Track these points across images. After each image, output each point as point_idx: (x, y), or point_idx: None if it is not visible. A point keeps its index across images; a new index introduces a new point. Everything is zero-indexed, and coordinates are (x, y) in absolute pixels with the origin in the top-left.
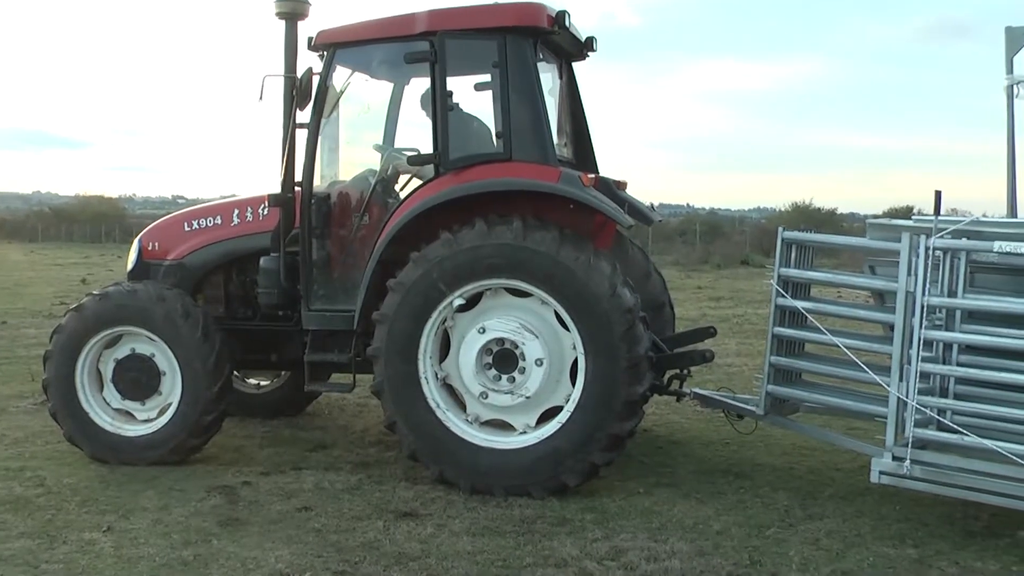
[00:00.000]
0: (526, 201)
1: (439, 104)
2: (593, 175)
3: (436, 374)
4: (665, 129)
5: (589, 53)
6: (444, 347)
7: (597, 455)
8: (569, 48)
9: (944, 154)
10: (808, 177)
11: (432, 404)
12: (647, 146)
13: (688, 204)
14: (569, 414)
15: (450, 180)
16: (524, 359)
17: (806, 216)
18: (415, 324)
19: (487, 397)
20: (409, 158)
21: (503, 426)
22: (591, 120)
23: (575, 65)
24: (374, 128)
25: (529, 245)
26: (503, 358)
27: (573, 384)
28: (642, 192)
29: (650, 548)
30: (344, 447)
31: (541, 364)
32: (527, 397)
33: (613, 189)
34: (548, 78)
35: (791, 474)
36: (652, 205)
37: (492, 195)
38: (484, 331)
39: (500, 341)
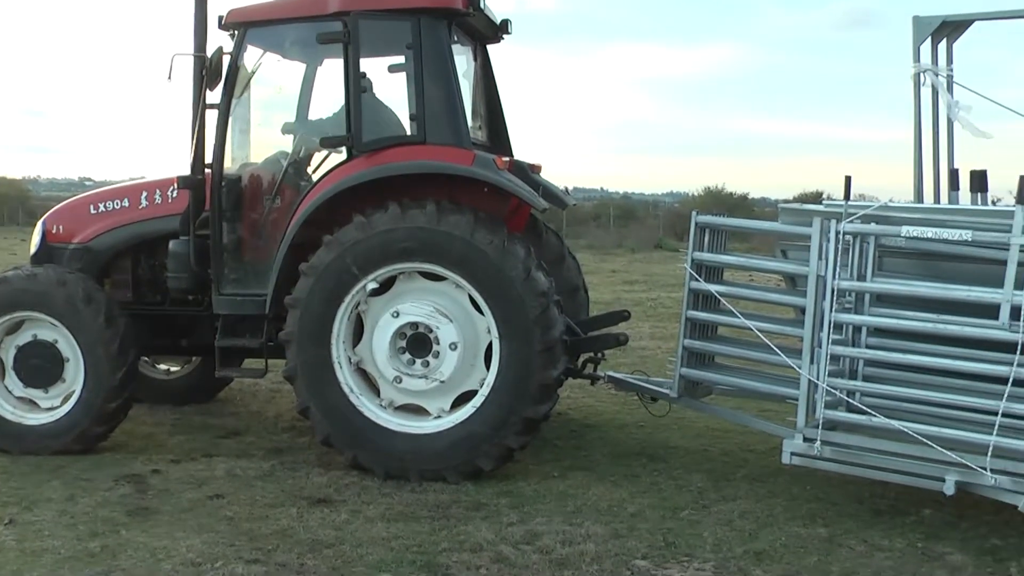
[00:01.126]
0: (441, 184)
1: (352, 86)
2: (507, 158)
3: (350, 359)
4: (578, 113)
5: (504, 36)
6: (358, 331)
7: (512, 439)
8: (484, 30)
9: (853, 140)
10: (721, 162)
11: (346, 389)
12: (560, 130)
13: (602, 188)
14: (484, 398)
15: (363, 163)
16: (438, 343)
17: (719, 200)
18: (328, 308)
19: (401, 381)
20: (322, 140)
21: (417, 410)
22: (505, 103)
23: (490, 48)
24: (287, 109)
25: (443, 228)
26: (417, 342)
27: (488, 368)
28: (556, 176)
29: (565, 531)
30: (256, 433)
31: (455, 348)
32: (441, 381)
33: (528, 172)
34: (463, 60)
35: (705, 456)
36: (567, 189)
37: (406, 178)
38: (398, 315)
39: (414, 325)
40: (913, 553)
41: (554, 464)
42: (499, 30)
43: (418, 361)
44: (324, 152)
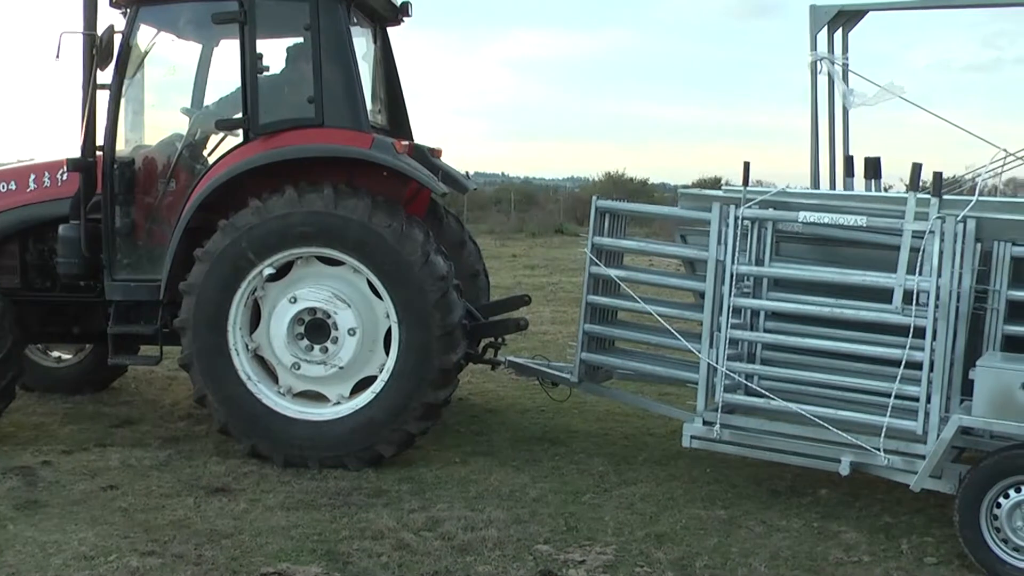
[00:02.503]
0: (339, 168)
1: (248, 67)
2: (407, 142)
3: (247, 345)
4: (479, 97)
5: (404, 18)
6: (255, 318)
7: (412, 424)
8: (383, 12)
9: (752, 127)
10: (621, 147)
11: (243, 376)
12: (461, 114)
13: (503, 173)
14: (383, 384)
15: (260, 145)
16: (337, 329)
17: (619, 186)
18: (224, 294)
19: (299, 368)
20: (217, 122)
21: (317, 397)
22: (406, 87)
23: (390, 30)
24: (182, 91)
25: (340, 212)
26: (315, 328)
27: (387, 353)
28: (457, 160)
29: (467, 517)
30: (152, 422)
31: (354, 334)
32: (340, 367)
33: (428, 156)
34: (362, 43)
35: (606, 440)
36: (467, 173)
37: (304, 161)
38: (295, 301)
39: (312, 311)
40: (810, 532)
41: (455, 450)
42: (399, 12)
43: (316, 347)
44: (220, 135)
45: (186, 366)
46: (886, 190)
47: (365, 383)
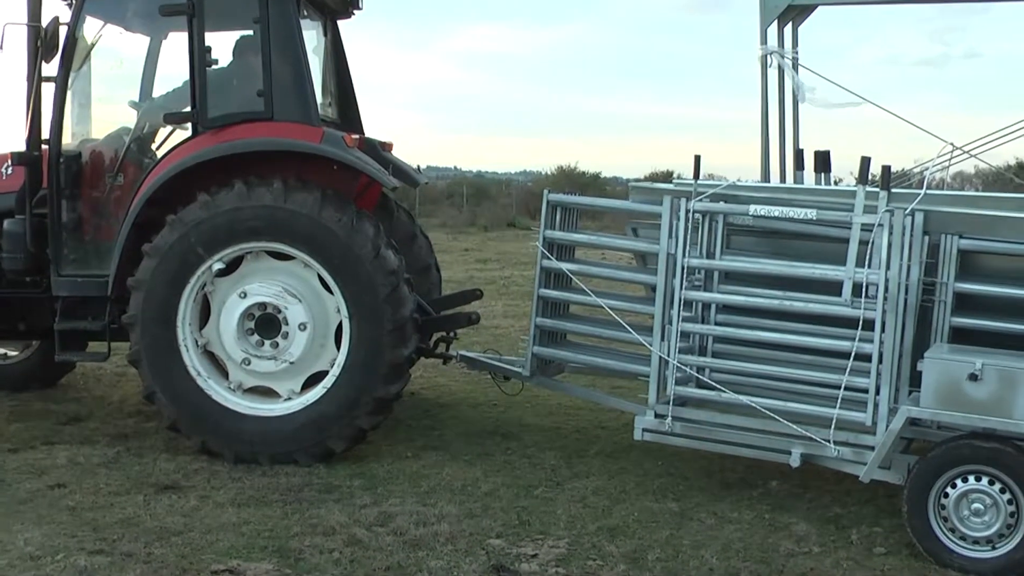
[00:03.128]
0: (289, 162)
1: (197, 60)
2: (357, 136)
3: (196, 341)
4: (431, 91)
5: (355, 11)
6: (204, 313)
7: (363, 419)
8: (333, 6)
9: (704, 120)
10: (573, 141)
11: (193, 372)
12: (412, 108)
13: (455, 167)
14: (334, 379)
15: (208, 139)
16: (287, 324)
17: (571, 179)
18: (173, 290)
19: (250, 363)
20: (166, 116)
21: (267, 392)
22: (358, 81)
23: (341, 24)
24: (130, 84)
25: (290, 206)
26: (266, 323)
27: (338, 348)
28: (409, 154)
29: (419, 512)
30: (100, 419)
31: (305, 328)
32: (291, 362)
33: (379, 150)
34: (313, 36)
35: (558, 434)
36: (418, 167)
37: (254, 155)
38: (245, 296)
39: (262, 306)
40: (761, 524)
41: (407, 444)
42: (349, 5)
43: (267, 342)
44: (169, 128)
45: (135, 362)
46: (836, 184)
47: (316, 378)
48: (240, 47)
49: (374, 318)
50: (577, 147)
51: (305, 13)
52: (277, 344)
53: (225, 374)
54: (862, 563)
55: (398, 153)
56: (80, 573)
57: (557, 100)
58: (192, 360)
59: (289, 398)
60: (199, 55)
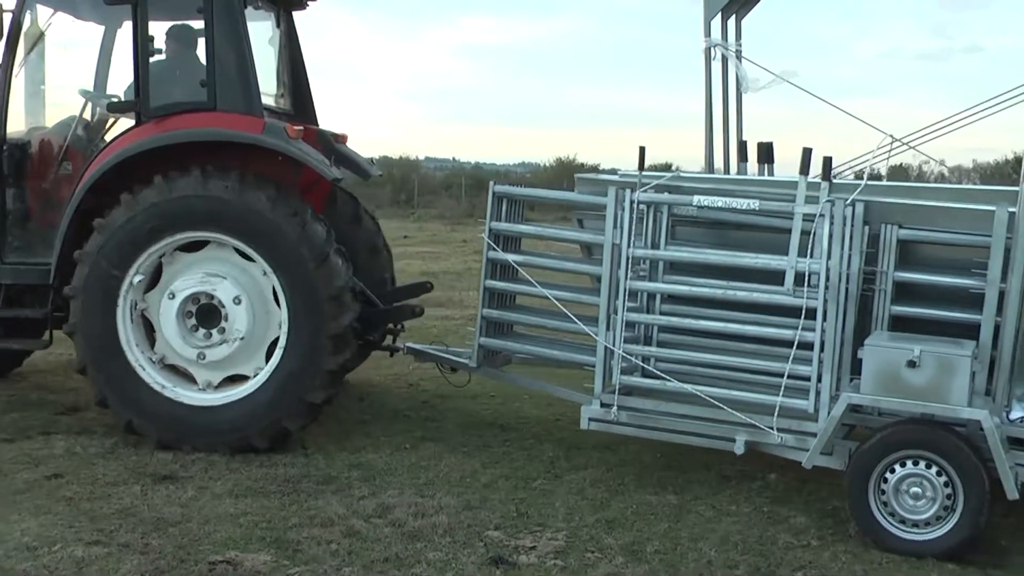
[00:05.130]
0: (235, 152)
1: (140, 49)
2: (300, 127)
3: (151, 359)
4: (428, 82)
5: (309, 2)
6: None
7: (316, 393)
8: None
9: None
10: (572, 132)
11: (156, 387)
12: (410, 99)
13: (454, 157)
14: (283, 350)
15: (151, 129)
16: (224, 306)
17: (570, 170)
18: (106, 316)
19: (205, 357)
20: (109, 105)
21: (241, 380)
22: (357, 71)
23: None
24: (83, 73)
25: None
26: (205, 314)
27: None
28: (407, 146)
29: (417, 504)
30: (97, 409)
31: (240, 302)
32: (241, 338)
33: (331, 142)
34: (267, 27)
35: (556, 425)
36: (372, 160)
37: (201, 146)
38: (174, 296)
39: (194, 299)
40: (759, 517)
41: (405, 436)
42: None
43: (214, 331)
44: (115, 117)
45: (82, 371)
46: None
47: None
48: (184, 37)
49: (307, 289)
50: (576, 138)
51: (259, 5)
52: (223, 329)
53: (192, 380)
54: (860, 556)
55: (396, 145)
56: (77, 564)
57: (557, 91)
58: (154, 376)
59: (256, 375)
60: (142, 45)
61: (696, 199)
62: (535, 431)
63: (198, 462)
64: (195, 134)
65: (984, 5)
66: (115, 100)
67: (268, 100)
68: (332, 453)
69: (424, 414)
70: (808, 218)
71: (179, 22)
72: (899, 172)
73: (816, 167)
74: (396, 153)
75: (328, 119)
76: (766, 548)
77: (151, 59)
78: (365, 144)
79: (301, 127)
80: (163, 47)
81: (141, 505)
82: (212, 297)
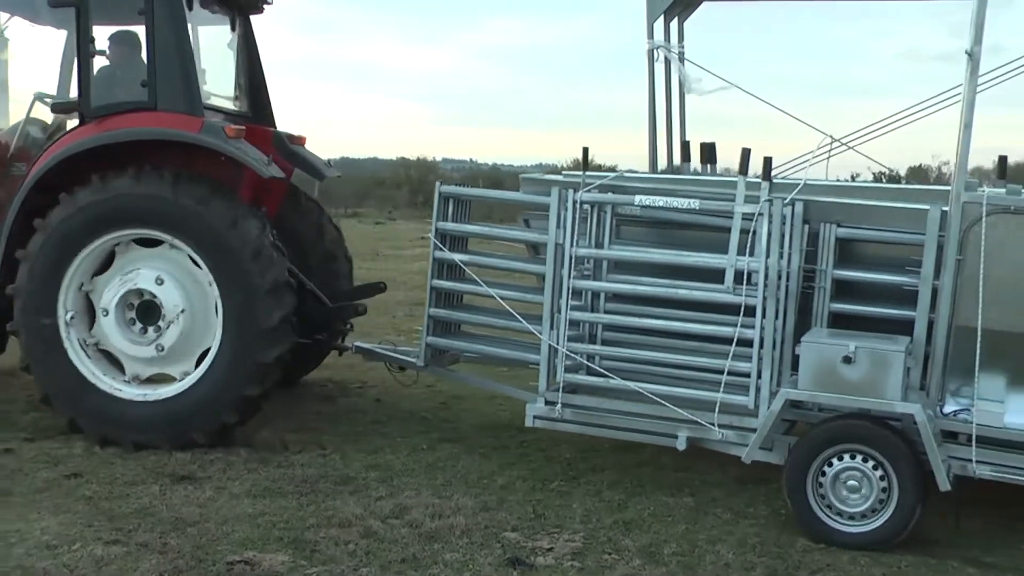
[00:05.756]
0: (177, 152)
1: (82, 51)
2: (242, 127)
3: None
4: (447, 85)
5: (265, 5)
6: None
7: (250, 387)
8: (243, 0)
9: (720, 114)
10: (589, 133)
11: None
12: (428, 100)
13: (471, 159)
14: (218, 343)
15: (92, 129)
16: (151, 294)
17: (587, 172)
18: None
19: (164, 348)
20: (53, 106)
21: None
22: (373, 74)
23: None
24: (44, 75)
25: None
26: (145, 310)
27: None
28: (426, 147)
29: (435, 505)
30: None
31: (162, 282)
32: (182, 311)
33: (286, 143)
34: (224, 31)
35: None
36: (329, 161)
37: (142, 145)
38: (107, 312)
39: (126, 303)
40: (777, 519)
41: (423, 436)
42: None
43: (160, 322)
44: (62, 118)
45: (26, 369)
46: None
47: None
48: (130, 41)
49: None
50: (592, 139)
51: (215, 9)
52: (163, 315)
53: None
54: (879, 559)
55: (414, 147)
56: (96, 562)
57: (576, 93)
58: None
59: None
60: (84, 46)
61: (638, 199)
62: (552, 433)
63: (216, 462)
64: (133, 133)
65: (1005, 5)
66: (59, 101)
67: (226, 103)
68: (349, 454)
69: (441, 415)
70: (748, 217)
71: (125, 27)
72: (919, 173)
73: (756, 167)
74: (414, 154)
75: (348, 121)
76: (784, 551)
77: (96, 61)
78: (383, 146)
79: (243, 127)
80: (108, 51)
81: (159, 505)
82: (141, 294)
